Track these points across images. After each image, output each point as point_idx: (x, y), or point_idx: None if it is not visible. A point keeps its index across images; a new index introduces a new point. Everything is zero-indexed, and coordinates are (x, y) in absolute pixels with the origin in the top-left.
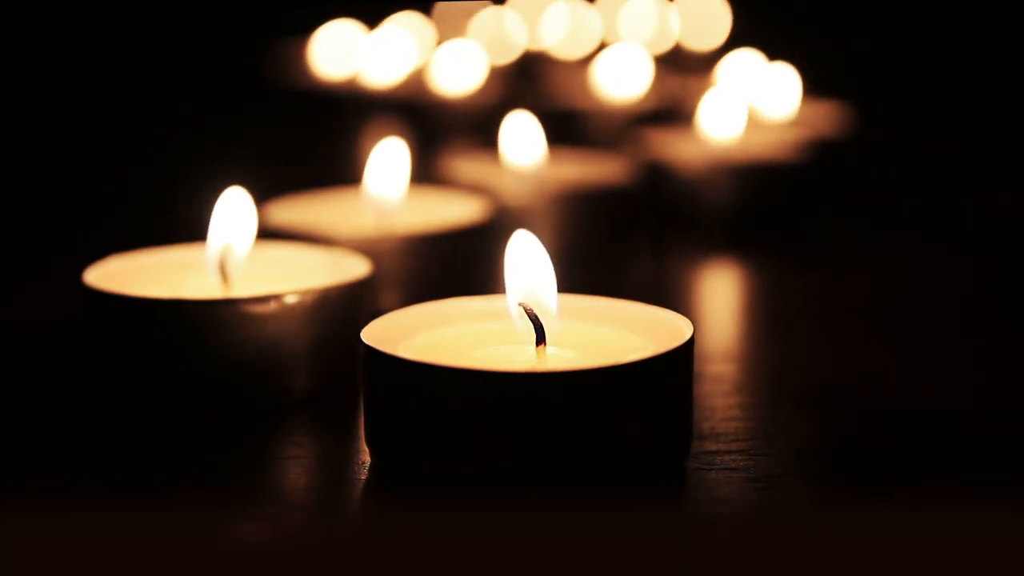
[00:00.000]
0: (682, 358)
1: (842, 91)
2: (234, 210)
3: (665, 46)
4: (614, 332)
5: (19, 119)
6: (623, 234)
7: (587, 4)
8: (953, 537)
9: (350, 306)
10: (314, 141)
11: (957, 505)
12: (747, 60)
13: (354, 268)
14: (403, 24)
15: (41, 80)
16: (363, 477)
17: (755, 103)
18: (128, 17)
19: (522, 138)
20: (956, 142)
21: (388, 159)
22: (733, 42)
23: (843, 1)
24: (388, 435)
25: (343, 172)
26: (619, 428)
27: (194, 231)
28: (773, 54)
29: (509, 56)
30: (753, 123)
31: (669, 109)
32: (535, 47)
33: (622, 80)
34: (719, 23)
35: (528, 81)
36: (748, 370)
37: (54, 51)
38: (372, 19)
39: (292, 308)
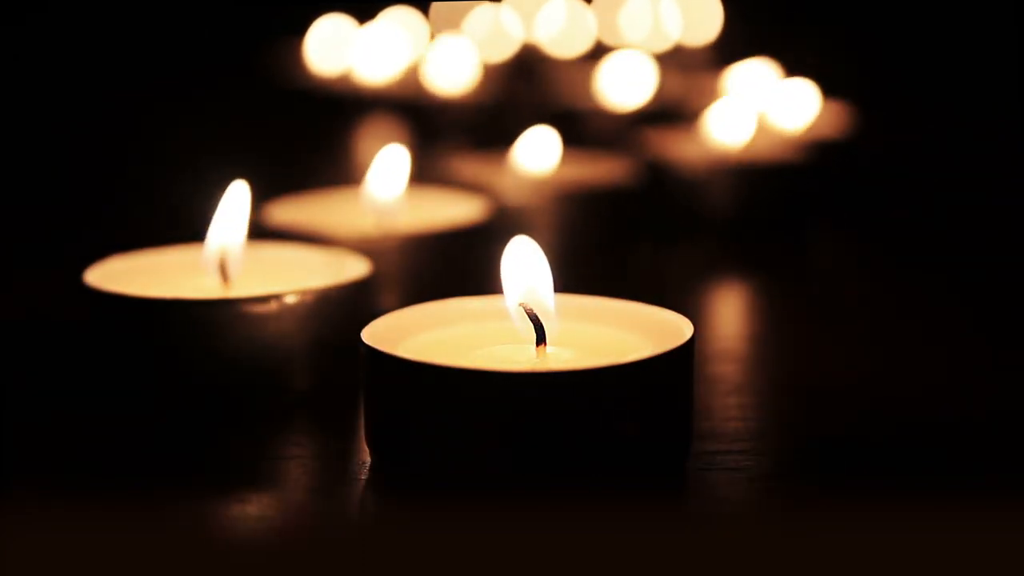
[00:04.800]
0: (682, 358)
1: (841, 91)
2: (232, 207)
3: (662, 43)
4: (614, 332)
5: (20, 119)
6: (623, 234)
7: (583, 2)
8: (952, 537)
9: (350, 306)
10: (313, 140)
11: (956, 505)
12: (758, 71)
13: (354, 268)
14: (397, 20)
15: (41, 80)
16: (363, 477)
17: (768, 113)
18: (127, 18)
19: (540, 148)
20: (957, 145)
21: (390, 163)
22: (727, 38)
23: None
24: (388, 435)
25: (343, 172)
26: (619, 428)
27: (194, 231)
28: (769, 53)
29: (505, 53)
30: (763, 131)
31: (670, 109)
32: (532, 44)
33: (626, 86)
34: (712, 19)
35: (527, 80)
36: (748, 370)
37: (55, 52)
38: (367, 15)
39: (292, 308)
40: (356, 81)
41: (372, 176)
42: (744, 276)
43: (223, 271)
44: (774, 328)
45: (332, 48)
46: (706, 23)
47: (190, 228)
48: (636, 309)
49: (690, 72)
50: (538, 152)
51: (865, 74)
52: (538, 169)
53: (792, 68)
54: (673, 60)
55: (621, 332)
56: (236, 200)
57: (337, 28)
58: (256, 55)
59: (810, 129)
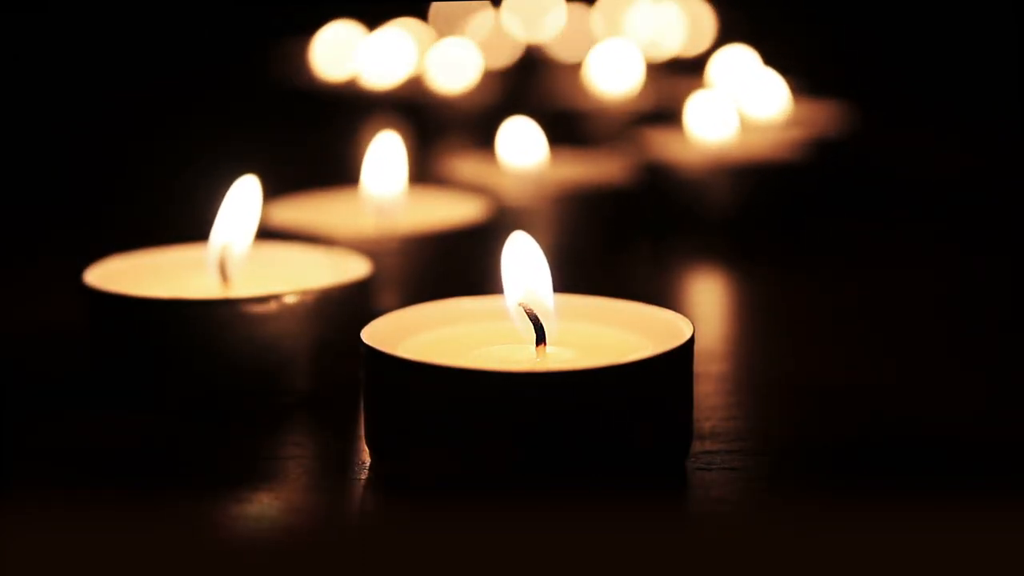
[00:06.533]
0: (682, 358)
1: (840, 91)
2: (239, 205)
3: (662, 45)
4: (614, 332)
5: (20, 119)
6: (622, 234)
7: (586, 6)
8: (952, 537)
9: (350, 306)
10: (315, 141)
11: (956, 505)
12: (738, 58)
13: (354, 268)
14: (402, 26)
15: (42, 80)
16: (363, 477)
17: (745, 103)
18: (129, 18)
19: (521, 140)
20: (955, 143)
21: (385, 155)
22: (723, 42)
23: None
24: (388, 435)
25: (343, 172)
26: (619, 428)
27: (194, 231)
28: (766, 56)
29: (507, 57)
30: (745, 124)
31: (668, 110)
32: (534, 47)
33: (615, 76)
34: (706, 25)
35: (527, 81)
36: (748, 370)
37: (57, 51)
38: (372, 21)
39: (292, 308)
40: (361, 85)
41: (368, 169)
42: (743, 275)
43: (223, 271)
44: (773, 328)
45: (338, 53)
46: (707, 27)
47: (190, 228)
48: (636, 309)
49: (690, 73)
50: (522, 145)
51: (864, 73)
52: (524, 164)
53: (773, 59)
54: (673, 61)
55: (621, 332)
56: (244, 197)
57: (343, 33)
58: (257, 55)
59: (797, 123)
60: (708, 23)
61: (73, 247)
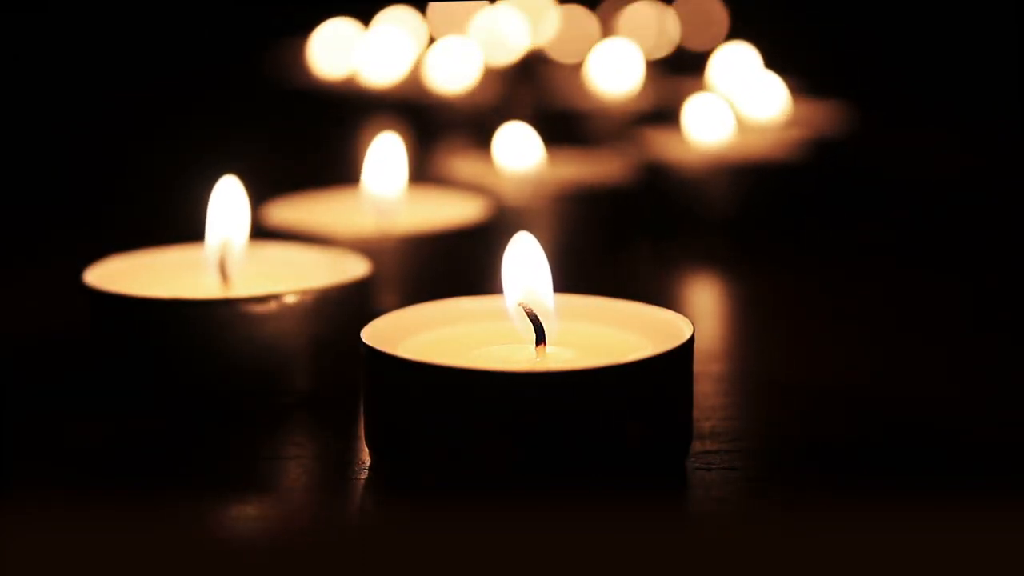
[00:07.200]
0: (682, 358)
1: (840, 91)
2: (229, 204)
3: (665, 49)
4: (614, 332)
5: (20, 119)
6: (622, 234)
7: (586, 9)
8: (952, 537)
9: (350, 306)
10: (314, 140)
11: (956, 505)
12: (738, 57)
13: (354, 268)
14: (399, 21)
15: (42, 81)
16: (363, 477)
17: (744, 103)
18: (129, 18)
19: (520, 141)
20: (955, 143)
21: (386, 156)
22: (725, 40)
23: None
24: (388, 435)
25: (343, 172)
26: (619, 428)
27: (194, 231)
28: (769, 56)
29: (508, 56)
30: (744, 124)
31: (668, 110)
32: (533, 47)
33: (616, 77)
34: (717, 24)
35: (526, 81)
36: (748, 370)
37: (55, 52)
38: (369, 18)
39: (292, 308)
40: (359, 83)
41: (369, 169)
42: (743, 275)
43: (223, 271)
44: (773, 328)
45: (336, 51)
46: (708, 29)
47: (190, 228)
48: (636, 309)
49: (689, 75)
50: (521, 146)
51: (864, 73)
52: (523, 164)
53: (772, 59)
54: (673, 63)
55: (621, 332)
56: (230, 196)
57: (341, 31)
58: (257, 55)
59: (796, 123)
60: (720, 20)
61: (73, 247)
